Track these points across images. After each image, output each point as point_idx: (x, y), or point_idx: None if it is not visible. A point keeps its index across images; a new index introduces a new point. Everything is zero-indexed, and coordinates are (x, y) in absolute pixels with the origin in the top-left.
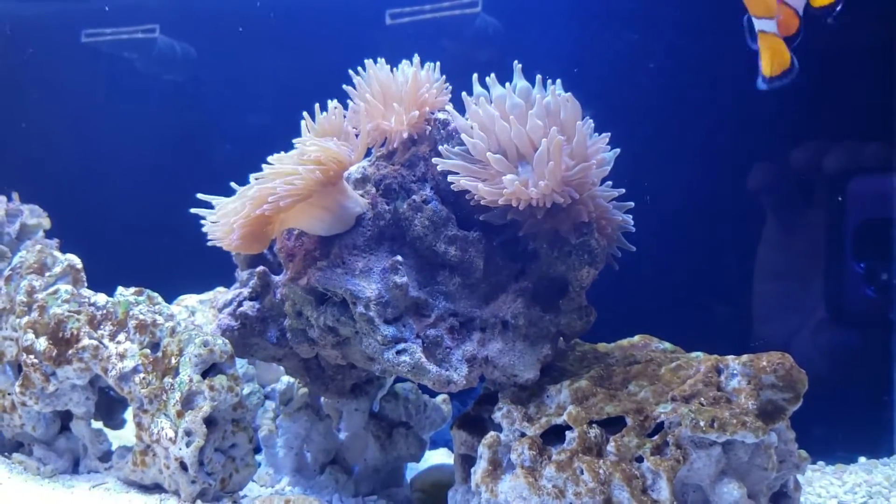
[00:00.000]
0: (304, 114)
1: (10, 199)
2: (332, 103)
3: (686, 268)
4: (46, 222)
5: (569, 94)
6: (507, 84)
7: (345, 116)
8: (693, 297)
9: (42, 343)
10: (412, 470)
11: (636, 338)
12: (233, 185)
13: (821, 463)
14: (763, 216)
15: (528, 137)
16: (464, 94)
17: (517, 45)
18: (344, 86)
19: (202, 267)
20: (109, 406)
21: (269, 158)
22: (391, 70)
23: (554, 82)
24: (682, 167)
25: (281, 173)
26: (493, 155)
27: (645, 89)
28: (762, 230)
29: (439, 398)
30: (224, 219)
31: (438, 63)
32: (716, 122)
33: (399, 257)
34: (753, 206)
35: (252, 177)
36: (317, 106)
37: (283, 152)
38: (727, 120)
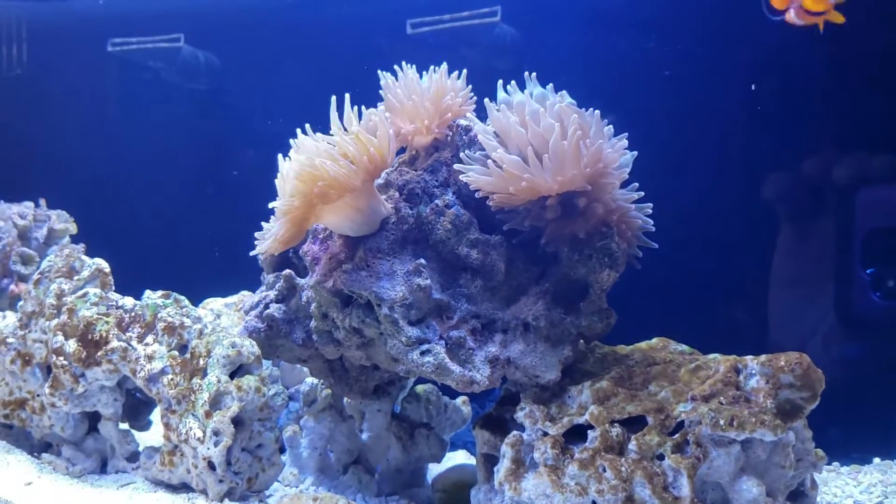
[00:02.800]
0: (333, 116)
1: (37, 205)
2: (370, 111)
3: (698, 273)
4: (73, 227)
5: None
6: (526, 91)
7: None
8: (705, 302)
9: (71, 345)
10: (432, 471)
11: (654, 340)
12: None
13: (836, 464)
14: (775, 223)
15: (544, 139)
16: (486, 100)
17: (534, 54)
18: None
19: (226, 271)
20: (135, 408)
21: (298, 142)
22: (418, 76)
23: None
24: (694, 174)
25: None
26: (510, 157)
27: (660, 96)
28: (774, 236)
29: (459, 400)
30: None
31: (466, 71)
32: (730, 128)
33: (422, 260)
34: (765, 213)
35: (291, 160)
36: (347, 96)
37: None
38: (741, 126)
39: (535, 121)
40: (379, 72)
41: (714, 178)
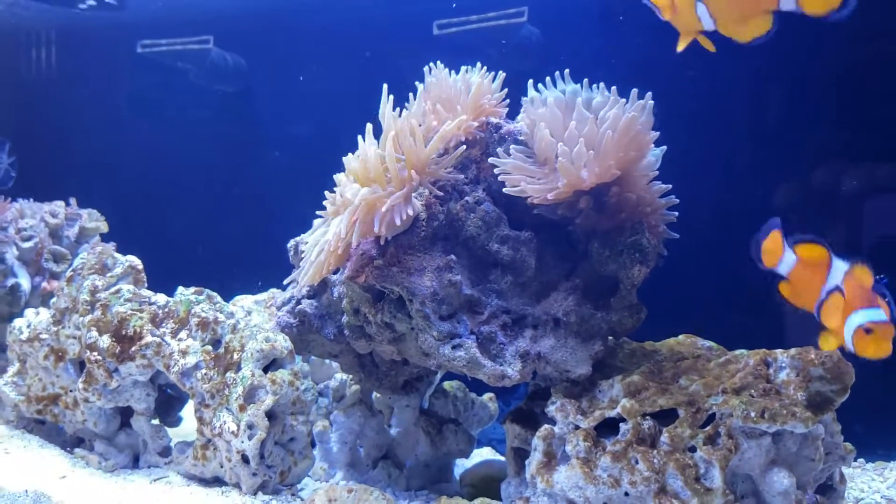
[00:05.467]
0: (388, 121)
1: (68, 204)
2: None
3: (718, 271)
4: (104, 226)
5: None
6: (558, 87)
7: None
8: (724, 301)
9: (105, 340)
10: (459, 467)
11: (681, 337)
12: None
13: (861, 460)
14: (793, 225)
15: (581, 134)
16: (524, 98)
17: (560, 55)
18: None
19: (254, 270)
20: (166, 404)
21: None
22: (455, 77)
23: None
24: (717, 173)
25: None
26: (556, 146)
27: (685, 97)
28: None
29: (486, 396)
30: (316, 251)
31: (503, 74)
32: (753, 129)
33: (453, 256)
34: (782, 214)
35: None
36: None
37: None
38: (764, 127)
39: (570, 116)
40: (425, 69)
41: (735, 179)
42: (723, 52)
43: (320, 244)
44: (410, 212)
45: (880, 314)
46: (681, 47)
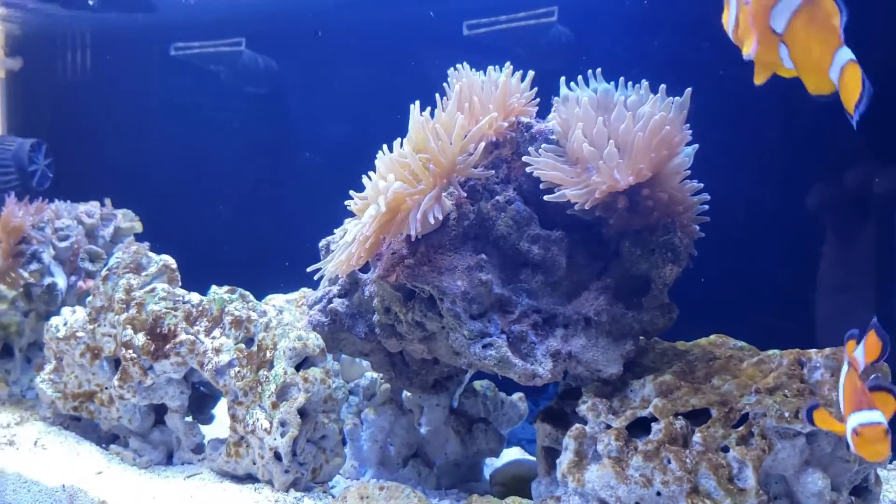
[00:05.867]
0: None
1: (103, 204)
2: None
3: (745, 274)
4: (138, 226)
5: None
6: (591, 86)
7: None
8: (753, 302)
9: (140, 338)
10: (489, 467)
11: (712, 337)
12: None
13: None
14: (822, 228)
15: (616, 133)
16: (555, 98)
17: (590, 55)
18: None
19: (285, 270)
20: (199, 402)
21: (384, 159)
22: (484, 77)
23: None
24: (747, 173)
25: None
26: (588, 147)
27: (715, 96)
28: (821, 242)
29: (515, 396)
30: (345, 245)
31: (532, 73)
32: (784, 128)
33: (483, 255)
34: (814, 216)
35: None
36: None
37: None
38: (794, 127)
39: (602, 115)
40: (452, 69)
41: (766, 179)
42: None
43: (352, 232)
44: (439, 215)
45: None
46: (759, 81)
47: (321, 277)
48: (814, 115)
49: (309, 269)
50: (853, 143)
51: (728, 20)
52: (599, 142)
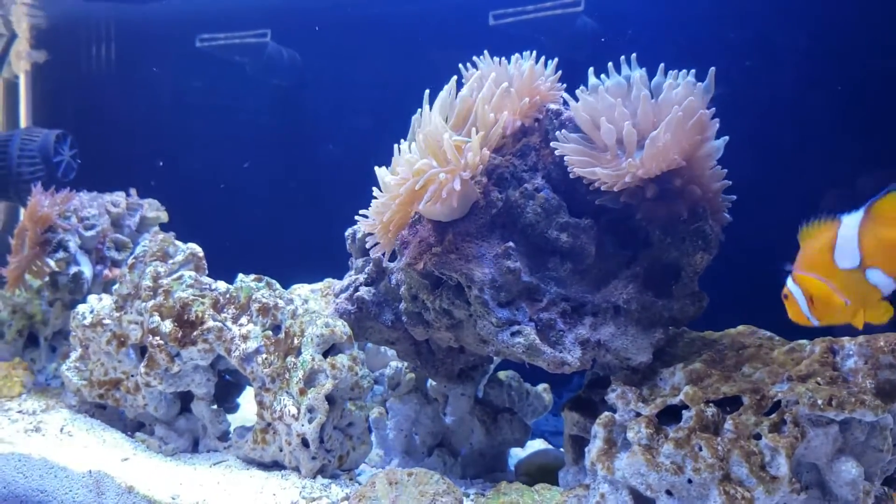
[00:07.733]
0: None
1: (128, 194)
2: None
3: (770, 267)
4: (164, 216)
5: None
6: (622, 74)
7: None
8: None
9: (167, 325)
10: (513, 458)
11: (741, 327)
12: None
13: None
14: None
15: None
16: (581, 89)
17: (614, 45)
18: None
19: (309, 260)
20: (224, 390)
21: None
22: (508, 64)
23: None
24: (773, 164)
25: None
26: (619, 131)
27: (741, 87)
28: None
29: (540, 387)
30: (378, 216)
31: (556, 59)
32: (811, 119)
33: (511, 243)
34: (839, 205)
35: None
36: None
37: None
38: (822, 118)
39: (631, 101)
40: (474, 59)
41: (791, 170)
42: (781, 45)
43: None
44: (456, 196)
45: None
46: (859, 324)
47: (346, 270)
48: (840, 107)
49: (357, 216)
50: (881, 135)
51: (799, 309)
52: (629, 129)
